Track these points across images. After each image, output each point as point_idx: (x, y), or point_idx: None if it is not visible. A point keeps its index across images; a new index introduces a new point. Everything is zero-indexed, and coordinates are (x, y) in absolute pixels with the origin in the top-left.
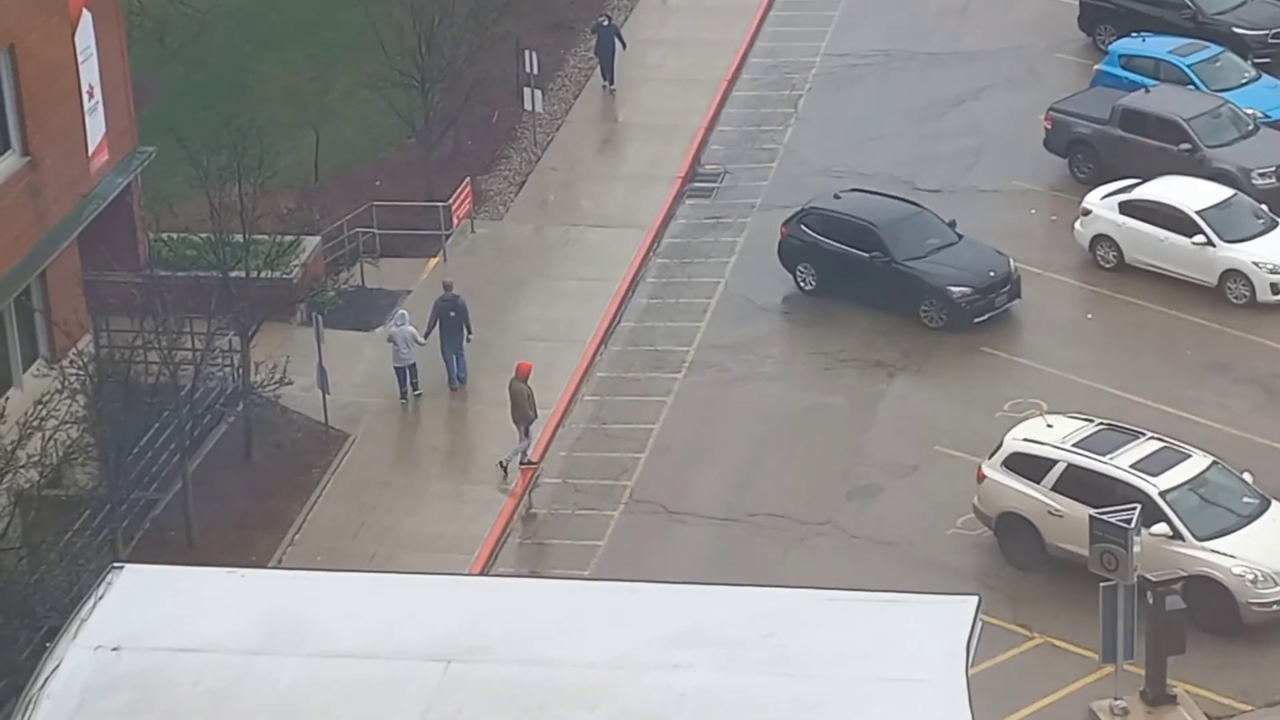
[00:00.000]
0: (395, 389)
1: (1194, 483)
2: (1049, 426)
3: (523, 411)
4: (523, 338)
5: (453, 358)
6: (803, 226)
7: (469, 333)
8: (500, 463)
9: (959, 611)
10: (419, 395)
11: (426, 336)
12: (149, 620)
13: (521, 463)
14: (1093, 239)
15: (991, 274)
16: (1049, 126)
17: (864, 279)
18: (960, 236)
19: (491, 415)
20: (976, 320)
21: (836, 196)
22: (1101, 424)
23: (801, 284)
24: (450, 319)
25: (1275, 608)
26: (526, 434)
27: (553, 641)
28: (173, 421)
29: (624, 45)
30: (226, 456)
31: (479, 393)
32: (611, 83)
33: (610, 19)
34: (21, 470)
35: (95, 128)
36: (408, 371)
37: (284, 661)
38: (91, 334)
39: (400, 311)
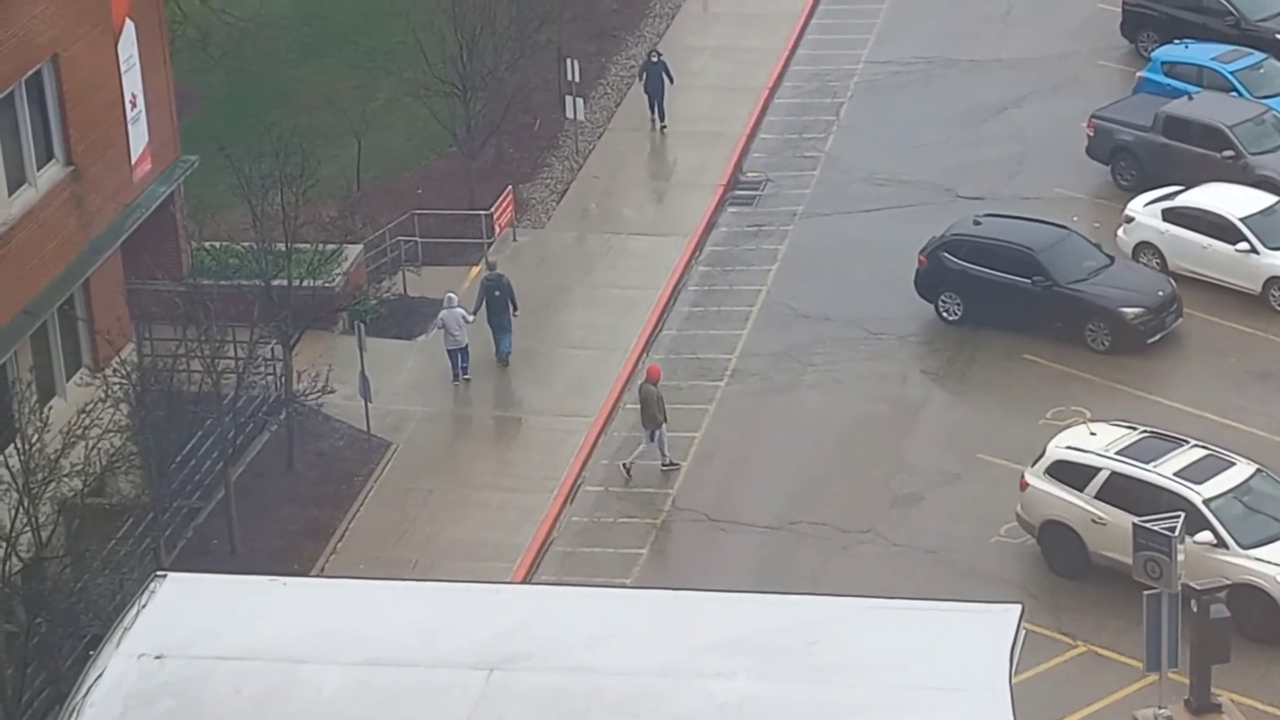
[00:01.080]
0: (447, 380)
1: (1238, 491)
2: (1092, 434)
3: (651, 414)
4: (565, 346)
5: (500, 336)
6: (947, 254)
7: (515, 309)
8: (623, 465)
9: (1002, 620)
10: (468, 380)
11: (475, 313)
12: (192, 628)
13: (664, 466)
14: (1136, 246)
15: (1160, 293)
16: (1091, 134)
17: (1021, 305)
18: (1112, 258)
19: (533, 423)
20: (1150, 341)
21: (976, 222)
22: (1145, 431)
23: (944, 313)
24: (496, 298)
25: None
26: (652, 438)
27: (595, 650)
28: (215, 430)
29: (672, 80)
30: (269, 465)
31: (522, 401)
32: (662, 119)
33: (660, 55)
34: (65, 479)
35: (138, 137)
36: (459, 354)
37: (326, 670)
38: (134, 343)
39: (448, 294)
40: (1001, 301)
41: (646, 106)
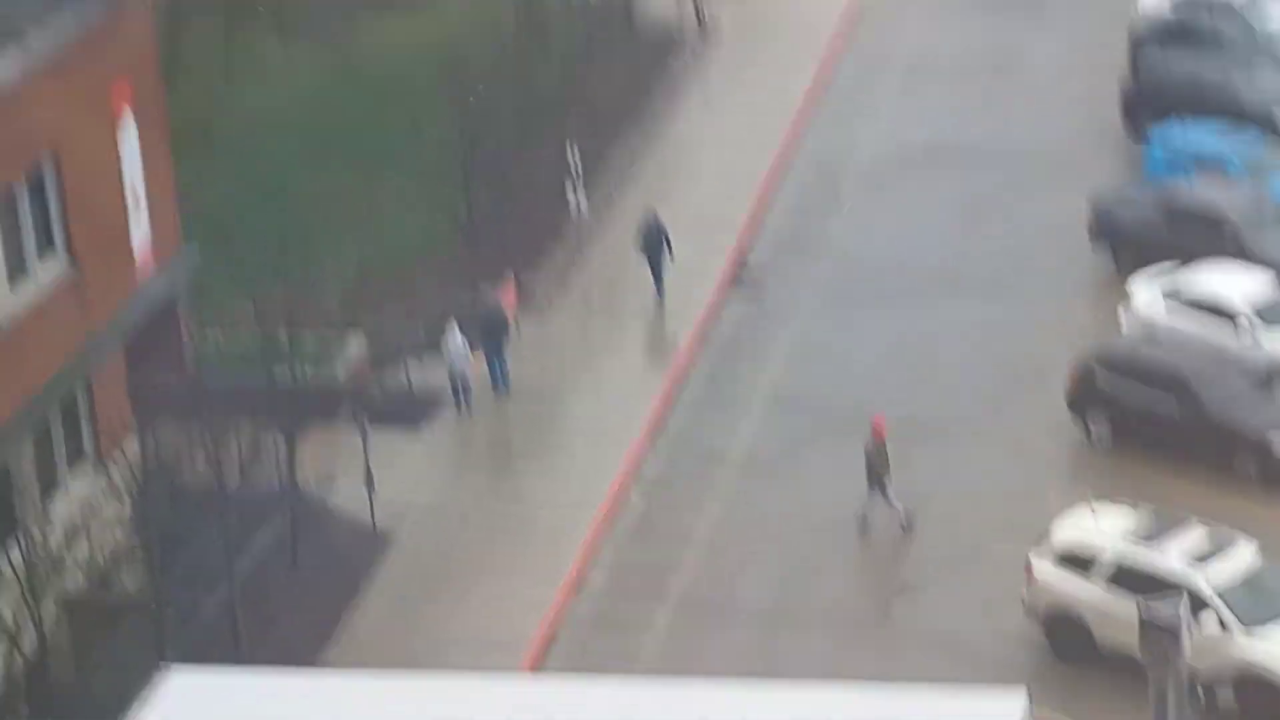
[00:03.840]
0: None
1: (1243, 573)
2: (1093, 512)
3: (876, 470)
4: (568, 435)
5: (495, 364)
6: (1096, 368)
7: (508, 338)
8: (900, 521)
9: (1009, 706)
10: (469, 410)
11: (477, 347)
12: None
13: (901, 525)
14: (1138, 329)
15: None
16: (1092, 217)
17: (1168, 428)
18: (1275, 382)
19: (538, 514)
20: None
21: (1131, 339)
22: (1149, 514)
23: (1092, 432)
24: (496, 326)
25: None
26: (884, 491)
27: None
28: (219, 523)
29: (672, 253)
30: (273, 557)
31: (526, 492)
32: (659, 282)
33: (657, 216)
34: (68, 574)
35: (140, 230)
36: (459, 382)
37: None
38: (137, 436)
39: (451, 322)
40: (1149, 423)
41: (649, 272)
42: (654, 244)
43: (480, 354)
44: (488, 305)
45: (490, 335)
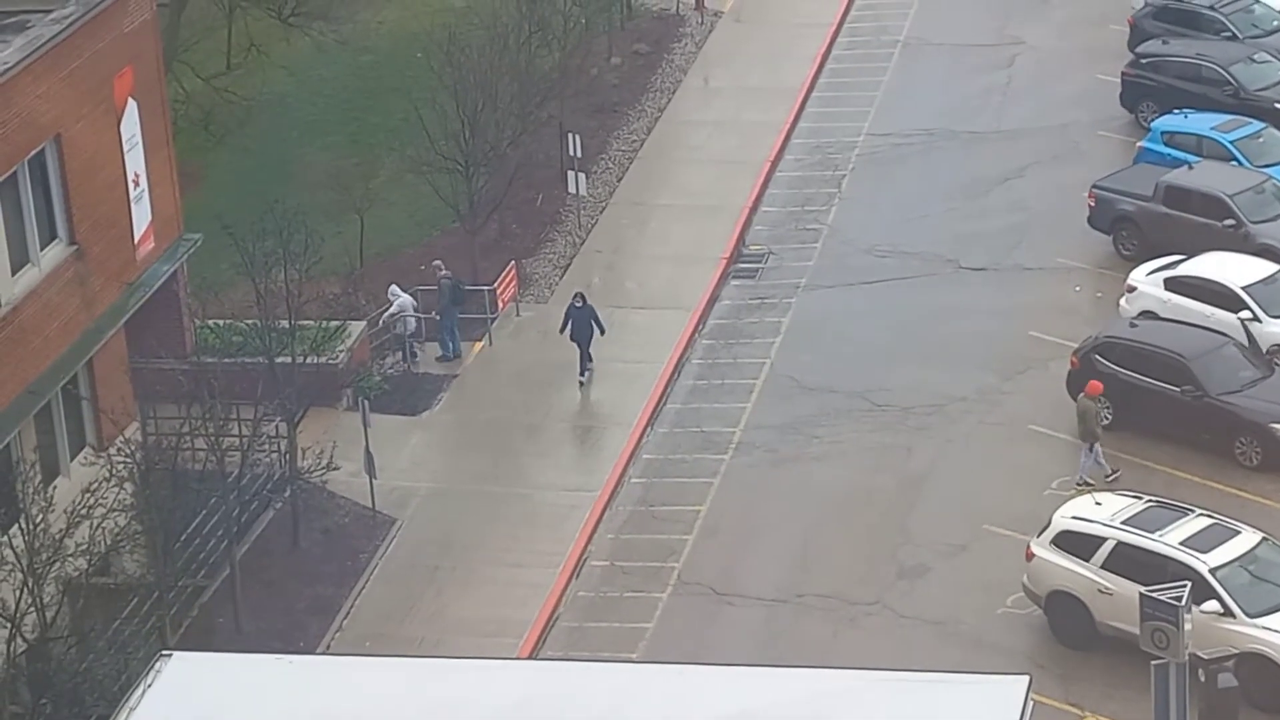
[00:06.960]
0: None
1: (1244, 559)
2: (1097, 504)
3: (1089, 428)
4: (569, 420)
5: (448, 330)
6: (1098, 357)
7: (459, 308)
8: (1079, 482)
9: (1010, 691)
10: (416, 359)
11: (438, 310)
12: (198, 708)
13: (1077, 483)
14: (1138, 315)
15: None
16: (1093, 204)
17: (1170, 414)
18: (1273, 369)
19: (538, 498)
20: None
21: (1132, 324)
22: (1150, 501)
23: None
24: (459, 292)
25: None
26: (1091, 450)
27: None
28: (220, 508)
29: (602, 330)
30: (274, 542)
31: (527, 476)
32: (583, 372)
33: (585, 299)
34: (70, 558)
35: (141, 216)
36: (412, 340)
37: None
38: (139, 421)
39: (392, 286)
40: (1151, 409)
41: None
42: (582, 328)
43: (438, 320)
44: (451, 277)
45: (449, 303)
